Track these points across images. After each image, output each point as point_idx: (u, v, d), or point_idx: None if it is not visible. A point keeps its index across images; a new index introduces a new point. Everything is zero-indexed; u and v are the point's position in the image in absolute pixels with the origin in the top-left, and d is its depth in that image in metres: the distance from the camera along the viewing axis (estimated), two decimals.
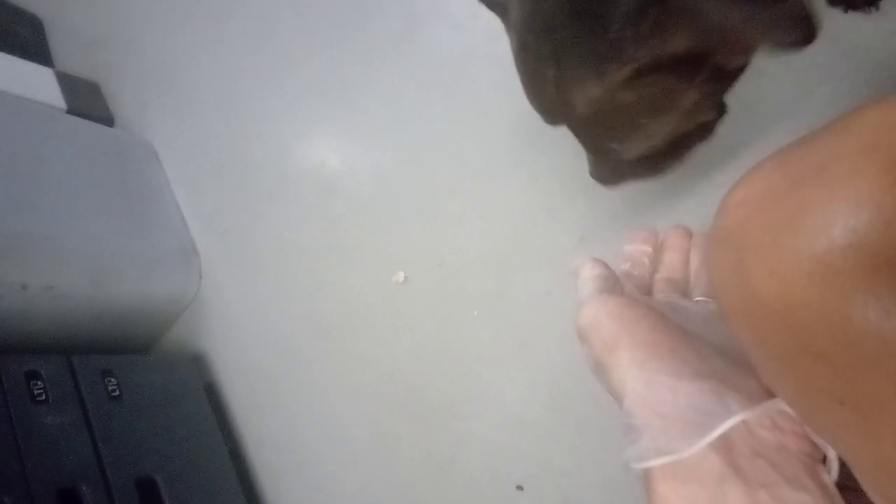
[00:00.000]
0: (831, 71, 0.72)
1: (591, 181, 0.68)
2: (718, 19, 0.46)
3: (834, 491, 0.29)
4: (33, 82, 1.40)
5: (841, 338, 0.20)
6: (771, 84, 0.77)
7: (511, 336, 0.96)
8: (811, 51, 0.75)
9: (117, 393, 1.09)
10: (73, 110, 1.42)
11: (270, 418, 1.21)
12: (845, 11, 0.70)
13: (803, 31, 0.51)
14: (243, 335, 1.28)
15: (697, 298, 0.40)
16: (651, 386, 0.31)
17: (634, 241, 0.45)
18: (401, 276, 1.06)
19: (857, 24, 0.70)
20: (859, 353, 0.20)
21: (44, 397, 0.99)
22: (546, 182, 0.95)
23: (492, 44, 1.01)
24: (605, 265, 0.41)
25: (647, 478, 0.31)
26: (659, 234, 0.44)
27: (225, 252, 1.34)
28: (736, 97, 0.79)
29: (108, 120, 1.51)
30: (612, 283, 0.39)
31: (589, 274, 0.41)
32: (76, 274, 1.15)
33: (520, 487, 0.92)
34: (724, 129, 0.78)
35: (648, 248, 0.45)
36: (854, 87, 0.71)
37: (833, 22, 0.72)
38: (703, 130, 0.60)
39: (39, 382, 1.00)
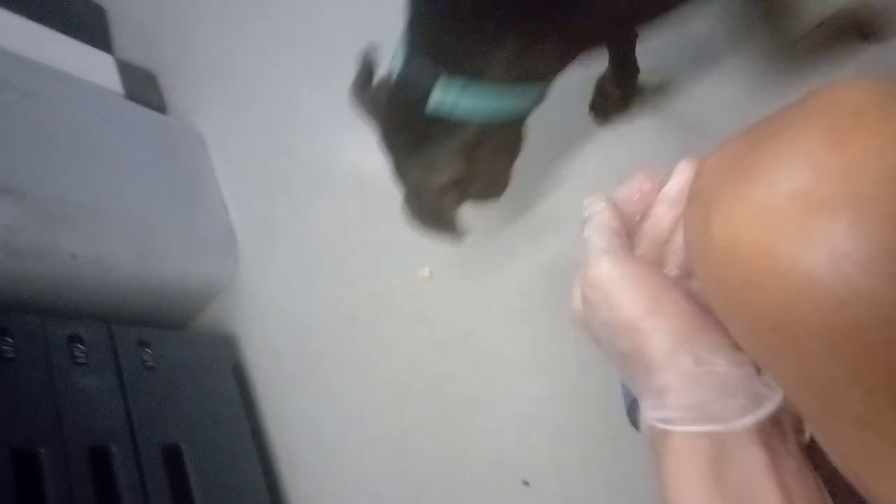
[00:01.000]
0: None
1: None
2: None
3: (802, 453, 0.32)
4: (95, 67, 1.48)
5: (774, 270, 0.24)
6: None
7: (529, 336, 0.99)
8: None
9: (151, 363, 1.15)
10: (130, 96, 1.49)
11: (293, 400, 1.26)
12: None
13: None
14: (273, 319, 1.34)
15: (674, 271, 0.40)
16: (694, 358, 0.32)
17: (631, 186, 0.41)
18: (426, 271, 1.10)
19: None
20: (788, 284, 0.23)
21: (84, 360, 1.06)
22: (572, 184, 0.99)
23: None
24: (618, 219, 0.39)
25: (661, 439, 0.33)
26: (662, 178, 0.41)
27: (262, 239, 1.39)
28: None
29: (161, 108, 1.58)
30: (622, 241, 0.38)
31: (601, 223, 0.39)
32: (123, 248, 1.22)
33: (526, 483, 0.95)
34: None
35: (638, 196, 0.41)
36: None
37: None
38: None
39: (81, 346, 1.07)
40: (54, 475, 0.92)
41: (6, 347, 0.98)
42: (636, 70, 0.93)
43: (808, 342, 0.24)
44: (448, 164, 0.69)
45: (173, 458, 1.08)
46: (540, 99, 0.70)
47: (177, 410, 1.13)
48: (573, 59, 0.67)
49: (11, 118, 1.11)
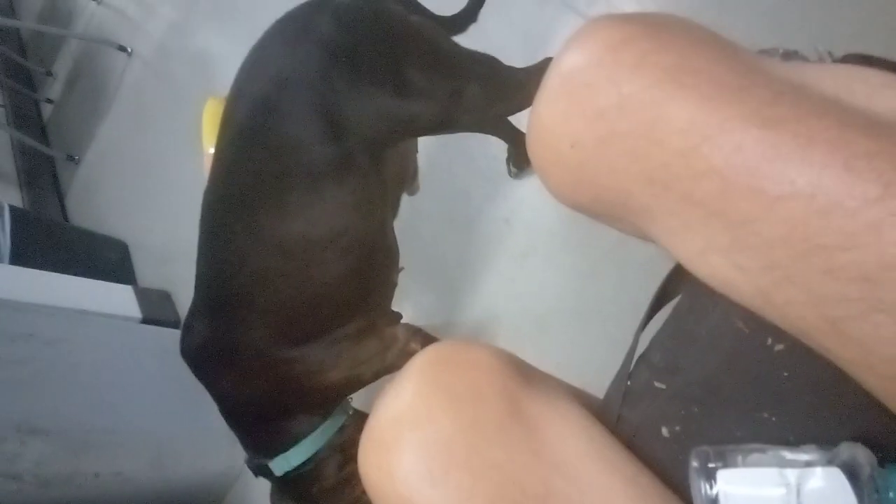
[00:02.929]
0: None
1: None
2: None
3: None
4: (115, 299, 1.72)
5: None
6: None
7: None
8: None
9: None
10: (146, 319, 1.72)
11: None
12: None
13: None
14: None
15: None
16: None
17: None
18: None
19: None
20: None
21: None
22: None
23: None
24: None
25: None
26: None
27: None
28: None
29: (175, 322, 1.80)
30: None
31: None
32: (141, 459, 1.37)
33: None
34: None
35: None
36: None
37: None
38: None
39: None
40: None
41: None
42: (519, 134, 1.12)
43: None
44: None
45: None
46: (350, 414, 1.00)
47: None
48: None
49: (36, 366, 1.32)
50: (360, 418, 1.01)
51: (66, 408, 1.31)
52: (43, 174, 2.58)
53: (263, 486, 1.48)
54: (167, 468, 1.41)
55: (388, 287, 0.96)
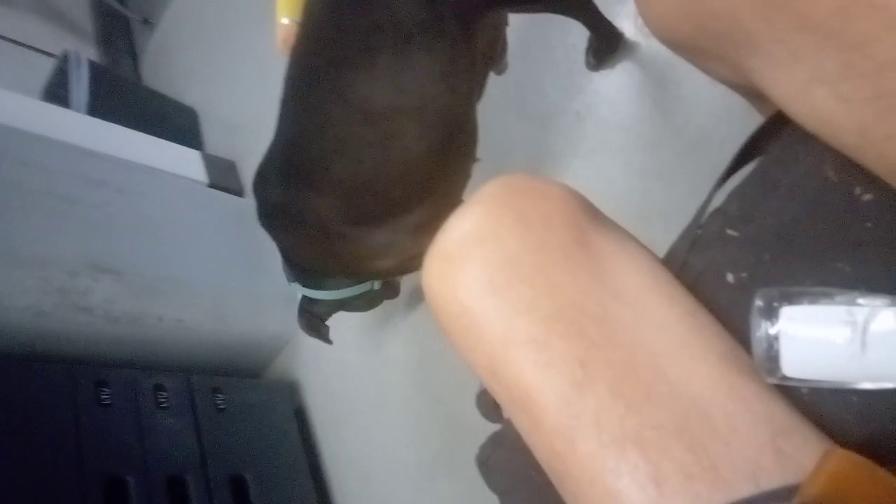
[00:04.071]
0: None
1: None
2: None
3: None
4: (184, 162, 1.77)
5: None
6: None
7: None
8: None
9: (223, 406, 1.35)
10: (212, 184, 1.76)
11: (346, 439, 1.42)
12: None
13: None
14: (331, 367, 1.52)
15: None
16: None
17: None
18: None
19: None
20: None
21: (166, 405, 1.27)
22: None
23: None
24: None
25: None
26: None
27: None
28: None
29: (239, 191, 1.84)
30: None
31: None
32: (201, 311, 1.45)
33: None
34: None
35: None
36: None
37: None
38: None
39: (164, 393, 1.29)
40: (139, 499, 1.12)
41: (104, 396, 1.21)
42: (604, 22, 1.08)
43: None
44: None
45: (239, 487, 1.26)
46: (377, 286, 1.13)
47: (243, 446, 1.33)
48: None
49: (109, 211, 1.39)
50: (386, 287, 1.18)
51: (135, 253, 1.38)
52: (119, 35, 2.62)
53: (312, 352, 1.56)
54: (225, 323, 1.48)
55: (463, 176, 0.94)
